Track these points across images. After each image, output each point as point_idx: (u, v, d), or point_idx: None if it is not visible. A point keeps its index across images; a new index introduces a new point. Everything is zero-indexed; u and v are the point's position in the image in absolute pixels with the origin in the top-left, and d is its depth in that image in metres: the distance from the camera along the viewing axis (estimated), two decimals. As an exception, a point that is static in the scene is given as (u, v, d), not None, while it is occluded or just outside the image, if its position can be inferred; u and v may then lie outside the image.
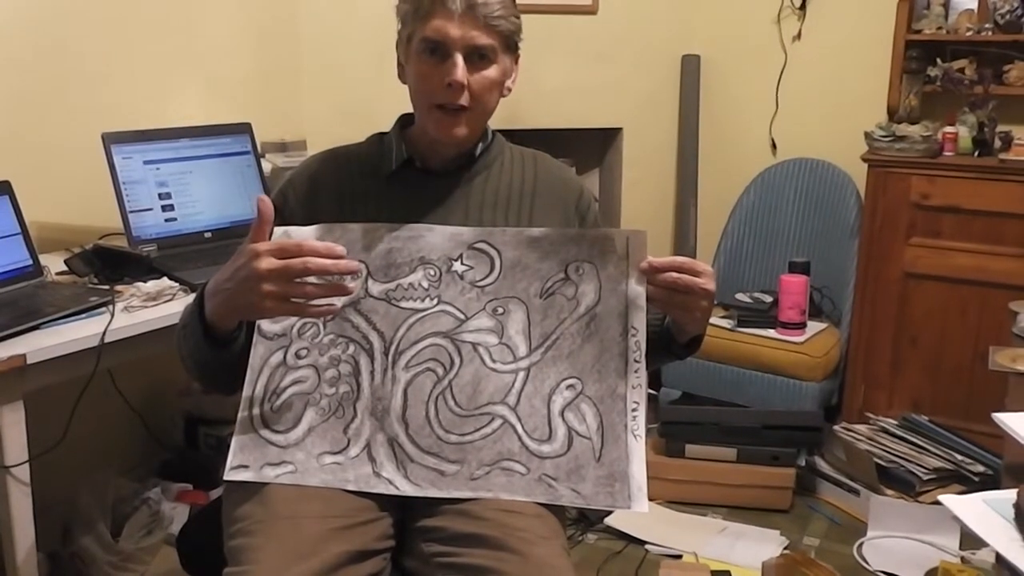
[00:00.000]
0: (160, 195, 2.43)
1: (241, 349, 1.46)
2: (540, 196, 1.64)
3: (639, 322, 1.44)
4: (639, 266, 1.44)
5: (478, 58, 1.52)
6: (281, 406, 1.44)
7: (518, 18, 1.57)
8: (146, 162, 2.41)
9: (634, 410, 1.42)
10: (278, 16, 3.19)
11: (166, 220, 2.43)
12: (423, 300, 1.47)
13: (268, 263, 1.31)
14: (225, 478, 1.40)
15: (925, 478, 2.78)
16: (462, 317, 1.46)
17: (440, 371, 1.43)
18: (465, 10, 1.48)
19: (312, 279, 1.33)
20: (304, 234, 1.46)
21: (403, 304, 1.47)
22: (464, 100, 1.52)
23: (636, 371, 1.43)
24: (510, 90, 1.63)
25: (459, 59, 1.50)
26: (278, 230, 1.47)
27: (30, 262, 2.16)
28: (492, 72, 1.54)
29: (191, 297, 2.06)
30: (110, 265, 2.18)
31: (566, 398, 1.43)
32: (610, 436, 1.41)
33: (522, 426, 1.41)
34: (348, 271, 1.35)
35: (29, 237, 2.17)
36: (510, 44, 1.57)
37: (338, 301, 1.40)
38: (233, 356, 1.46)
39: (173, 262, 2.28)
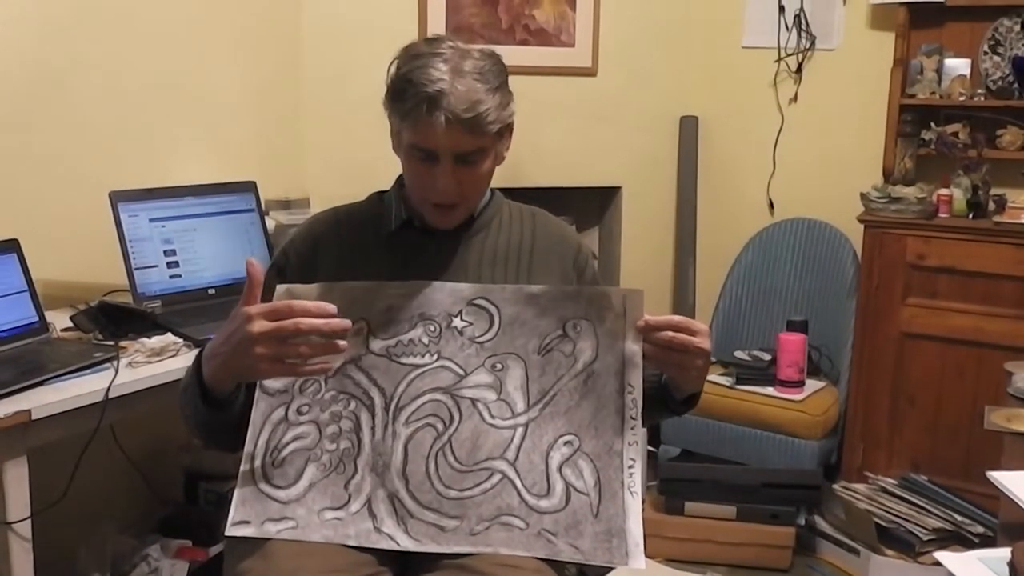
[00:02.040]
0: (165, 252, 2.46)
1: (241, 409, 1.48)
2: (539, 252, 1.67)
3: (635, 380, 1.46)
4: (636, 324, 1.46)
5: (468, 160, 1.52)
6: (282, 462, 1.45)
7: (509, 104, 1.54)
8: (152, 220, 2.44)
9: (630, 467, 1.43)
10: (282, 76, 3.24)
11: (171, 277, 2.46)
12: (423, 356, 1.48)
13: (260, 326, 1.32)
14: (227, 533, 1.41)
15: (925, 539, 2.77)
16: (461, 373, 1.48)
17: (440, 427, 1.45)
18: (451, 122, 1.45)
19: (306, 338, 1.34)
20: (306, 292, 1.48)
21: (403, 360, 1.48)
22: (455, 199, 1.55)
23: (632, 428, 1.45)
24: (504, 158, 1.64)
25: (448, 166, 1.50)
26: (280, 288, 1.49)
27: (36, 319, 2.18)
28: (484, 166, 1.55)
29: (194, 353, 2.09)
30: (115, 321, 2.20)
31: (564, 454, 1.44)
32: (607, 492, 1.42)
33: (521, 481, 1.42)
34: (339, 329, 1.35)
35: (35, 294, 2.19)
36: (502, 132, 1.57)
37: (334, 360, 1.41)
38: (233, 417, 1.47)
39: (177, 318, 2.31)
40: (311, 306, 1.34)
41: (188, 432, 1.65)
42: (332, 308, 1.35)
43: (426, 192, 1.55)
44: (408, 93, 1.46)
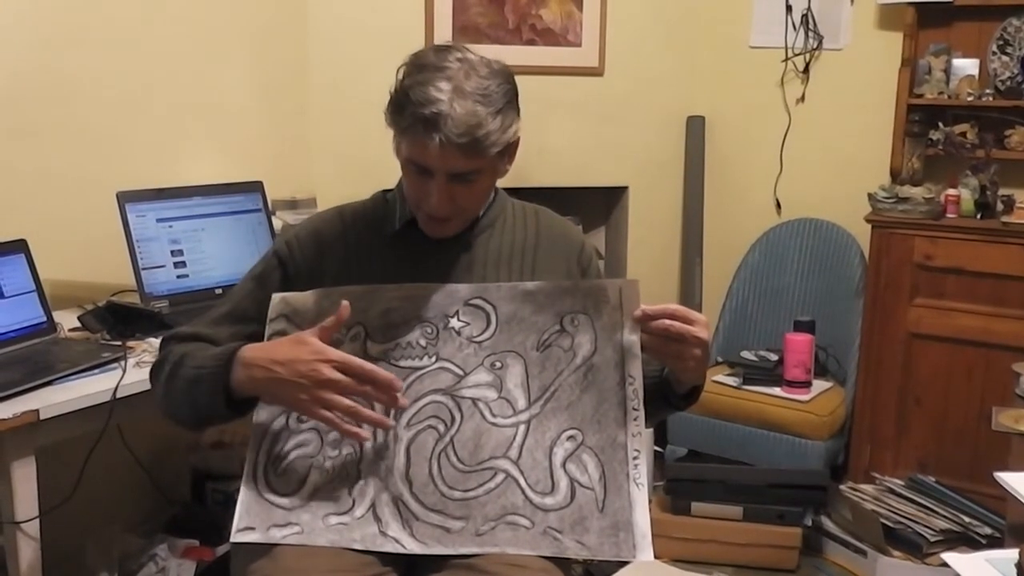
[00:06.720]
0: (172, 252, 2.47)
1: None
2: (542, 250, 1.66)
3: (636, 371, 1.46)
4: (633, 315, 1.45)
5: (465, 179, 1.49)
6: (285, 469, 1.46)
7: (512, 126, 1.49)
8: (159, 220, 2.45)
9: (635, 458, 1.43)
10: (289, 76, 3.25)
11: (178, 276, 2.47)
12: (422, 358, 1.48)
13: (331, 373, 1.35)
14: (232, 540, 1.42)
15: (932, 540, 2.76)
16: (461, 373, 1.48)
17: (441, 428, 1.45)
18: (445, 145, 1.41)
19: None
20: (303, 299, 1.48)
21: (402, 363, 1.48)
22: (448, 214, 1.53)
23: (635, 419, 1.44)
24: (506, 171, 1.60)
25: (442, 183, 1.47)
26: (275, 297, 1.50)
27: (44, 319, 2.18)
28: (481, 183, 1.52)
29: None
30: (122, 321, 2.21)
31: (567, 449, 1.44)
32: (612, 485, 1.42)
33: (525, 479, 1.42)
34: (396, 406, 1.40)
35: (43, 294, 2.20)
36: (503, 152, 1.52)
37: (368, 434, 1.42)
38: (237, 418, 1.48)
39: (184, 318, 2.28)
40: (381, 377, 1.37)
41: (194, 432, 1.64)
42: (399, 384, 1.39)
43: (420, 204, 1.54)
44: (406, 110, 1.43)
